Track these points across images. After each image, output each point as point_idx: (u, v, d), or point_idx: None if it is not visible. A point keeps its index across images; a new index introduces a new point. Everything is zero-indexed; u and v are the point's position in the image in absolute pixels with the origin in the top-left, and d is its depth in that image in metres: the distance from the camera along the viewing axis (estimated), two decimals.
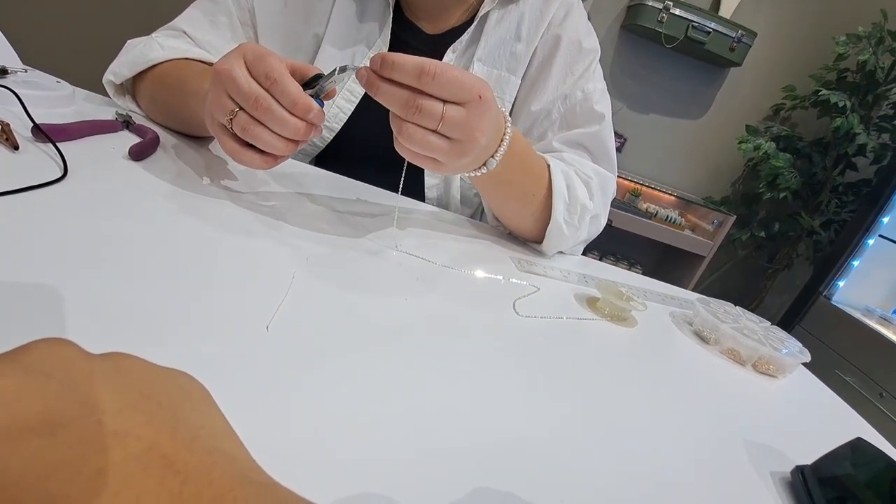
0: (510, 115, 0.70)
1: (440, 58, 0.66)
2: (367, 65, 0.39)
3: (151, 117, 0.61)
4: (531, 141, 0.70)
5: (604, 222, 0.70)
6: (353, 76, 0.41)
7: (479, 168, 0.48)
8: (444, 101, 0.39)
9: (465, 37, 0.67)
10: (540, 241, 0.62)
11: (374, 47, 0.66)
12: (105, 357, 0.16)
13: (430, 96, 0.39)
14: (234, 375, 0.27)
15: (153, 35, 0.60)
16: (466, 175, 0.50)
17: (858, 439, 0.36)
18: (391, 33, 0.66)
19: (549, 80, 0.68)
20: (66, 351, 0.15)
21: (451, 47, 0.67)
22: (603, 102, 0.68)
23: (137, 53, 0.57)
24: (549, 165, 0.59)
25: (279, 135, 0.41)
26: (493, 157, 0.48)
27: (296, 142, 0.43)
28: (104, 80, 0.60)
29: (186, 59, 0.58)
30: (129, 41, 0.61)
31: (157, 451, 0.13)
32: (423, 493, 0.24)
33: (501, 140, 0.48)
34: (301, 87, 0.41)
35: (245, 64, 0.41)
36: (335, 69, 0.42)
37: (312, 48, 0.66)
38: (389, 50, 0.66)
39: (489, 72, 0.68)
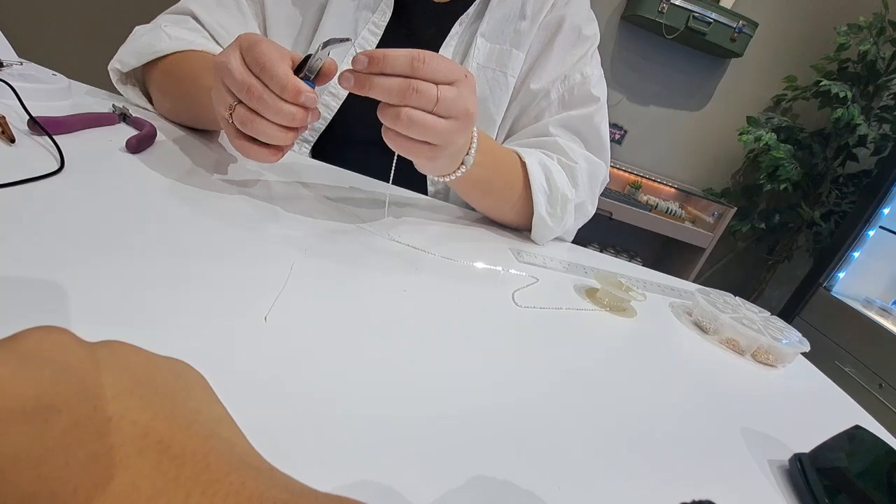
0: (514, 91, 0.70)
1: (447, 28, 0.67)
2: (350, 39, 0.40)
3: (160, 110, 0.60)
4: (527, 121, 0.70)
5: (592, 209, 0.71)
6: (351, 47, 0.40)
7: (458, 168, 0.50)
8: (437, 84, 0.40)
9: (472, 10, 0.67)
10: (528, 230, 0.64)
11: (377, 11, 0.65)
12: (101, 344, 0.16)
13: (423, 80, 0.40)
14: (233, 366, 0.27)
15: (160, 22, 0.60)
16: (444, 178, 0.51)
17: (856, 427, 0.36)
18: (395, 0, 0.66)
19: (549, 60, 0.68)
20: (61, 338, 0.15)
21: (459, 20, 0.67)
22: (600, 87, 0.69)
23: (144, 43, 0.57)
24: (523, 160, 0.60)
25: (277, 124, 0.41)
26: (468, 154, 0.50)
27: (296, 129, 0.42)
28: (109, 68, 0.59)
29: (193, 50, 0.57)
30: (136, 28, 0.60)
31: (153, 436, 0.13)
32: (421, 481, 0.24)
33: (472, 138, 0.50)
34: (291, 72, 0.40)
35: (240, 53, 0.41)
36: (319, 46, 0.41)
37: (317, 17, 0.66)
38: (393, 17, 0.66)
39: (491, 48, 0.68)
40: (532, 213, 0.61)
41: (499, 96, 0.69)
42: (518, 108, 0.70)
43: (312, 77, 0.42)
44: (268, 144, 0.43)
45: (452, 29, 0.67)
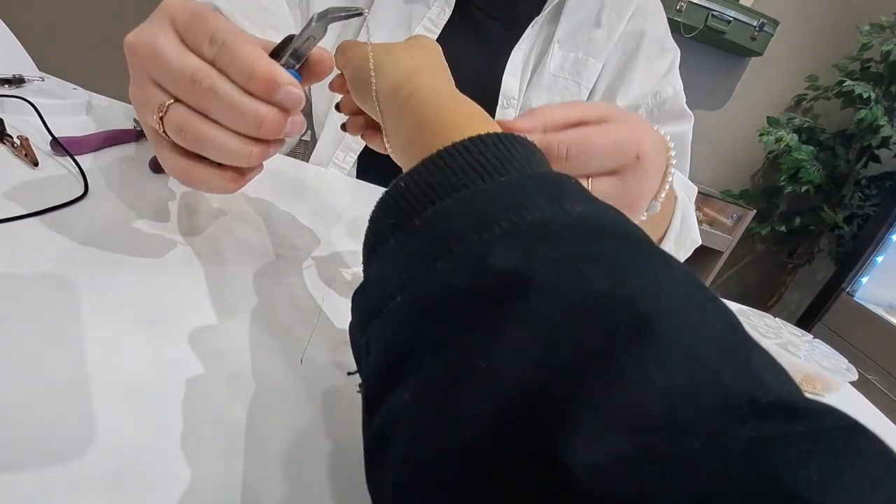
0: (586, 100, 0.66)
1: (518, 29, 0.62)
2: (363, 12, 0.32)
3: None
4: None
5: None
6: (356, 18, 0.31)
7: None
8: (589, 176, 0.30)
9: (546, 12, 0.63)
10: None
11: (434, 5, 0.61)
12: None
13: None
14: (275, 410, 0.25)
15: None
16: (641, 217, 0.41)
17: None
18: None
19: (635, 74, 0.65)
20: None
21: (532, 22, 0.63)
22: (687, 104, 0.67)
23: None
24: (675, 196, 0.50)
25: (235, 130, 0.27)
26: (655, 199, 0.36)
27: (266, 142, 0.28)
28: None
29: None
30: None
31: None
32: None
33: (664, 178, 0.36)
34: (263, 52, 0.27)
35: (175, 30, 0.27)
36: (312, 18, 0.29)
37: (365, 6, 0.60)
38: (456, 13, 0.61)
39: (565, 55, 0.64)
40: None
41: None
42: None
43: (297, 66, 0.30)
44: (221, 164, 0.29)
45: (525, 32, 0.63)
